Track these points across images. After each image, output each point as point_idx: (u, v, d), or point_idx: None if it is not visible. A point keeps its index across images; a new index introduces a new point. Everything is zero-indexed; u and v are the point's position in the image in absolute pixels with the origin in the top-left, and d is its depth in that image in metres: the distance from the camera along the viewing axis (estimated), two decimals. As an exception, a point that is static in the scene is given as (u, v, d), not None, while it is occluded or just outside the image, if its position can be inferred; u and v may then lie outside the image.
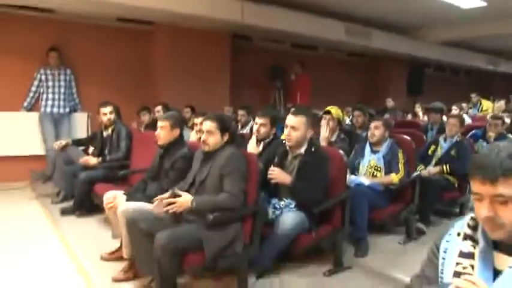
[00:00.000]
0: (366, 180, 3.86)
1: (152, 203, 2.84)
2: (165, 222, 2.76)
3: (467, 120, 7.22)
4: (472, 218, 1.37)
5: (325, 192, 3.16)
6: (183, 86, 7.14)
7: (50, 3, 6.03)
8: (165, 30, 7.06)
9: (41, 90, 6.20)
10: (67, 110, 6.31)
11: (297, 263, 3.38)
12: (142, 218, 2.77)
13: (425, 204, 4.16)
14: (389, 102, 8.91)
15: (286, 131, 3.20)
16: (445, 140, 4.60)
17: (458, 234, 1.39)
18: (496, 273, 1.27)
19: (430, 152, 4.62)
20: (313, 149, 3.17)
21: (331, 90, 9.23)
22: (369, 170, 3.97)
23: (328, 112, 4.34)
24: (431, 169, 4.42)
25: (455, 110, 7.49)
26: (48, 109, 6.15)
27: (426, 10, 7.71)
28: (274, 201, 3.17)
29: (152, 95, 7.08)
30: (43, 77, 6.16)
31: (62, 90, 6.24)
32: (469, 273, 1.28)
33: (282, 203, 3.13)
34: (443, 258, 1.38)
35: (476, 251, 1.32)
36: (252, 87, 8.46)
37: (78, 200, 4.59)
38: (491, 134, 4.87)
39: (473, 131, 5.09)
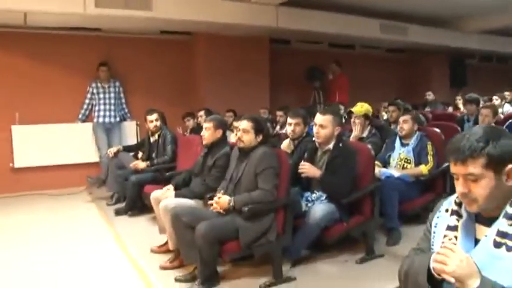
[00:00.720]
0: (395, 172, 4.01)
1: (197, 199, 3.19)
2: (206, 214, 3.07)
3: (510, 110, 7.13)
4: (457, 196, 1.56)
5: (354, 184, 3.37)
6: (224, 91, 7.46)
7: (97, 24, 6.56)
8: (204, 40, 7.41)
9: (94, 102, 6.72)
10: (117, 119, 6.80)
11: (330, 252, 3.60)
12: (184, 212, 3.10)
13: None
14: (430, 96, 8.87)
15: (315, 128, 3.44)
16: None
17: (447, 211, 1.59)
18: (477, 242, 1.46)
19: None
20: (340, 145, 3.39)
21: (370, 88, 9.28)
22: (399, 163, 4.12)
23: (351, 112, 4.54)
24: None
25: (496, 100, 7.40)
26: (101, 119, 6.66)
27: (461, 0, 7.66)
28: (307, 194, 3.42)
29: (195, 101, 7.45)
30: (95, 90, 6.68)
31: (112, 101, 6.74)
32: (453, 243, 1.48)
33: (314, 195, 3.37)
34: (434, 232, 1.59)
35: (460, 224, 1.52)
36: (291, 88, 8.68)
37: (129, 201, 5.01)
38: (528, 123, 4.87)
39: (510, 120, 5.08)
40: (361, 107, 4.53)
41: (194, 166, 3.92)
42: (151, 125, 5.25)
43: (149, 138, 5.37)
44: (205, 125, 3.75)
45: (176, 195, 3.61)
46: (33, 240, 4.20)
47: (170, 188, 3.76)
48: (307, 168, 3.35)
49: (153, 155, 5.25)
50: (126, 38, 7.11)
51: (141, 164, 5.14)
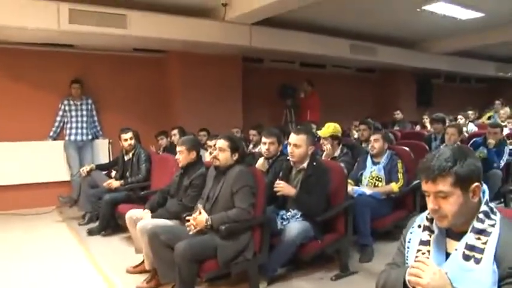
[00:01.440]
0: (367, 190, 4.13)
1: (174, 219, 3.26)
2: (184, 233, 3.10)
3: (473, 129, 7.43)
4: (429, 212, 1.66)
5: (328, 202, 3.46)
6: (197, 109, 7.50)
7: (71, 40, 6.54)
8: (178, 58, 7.47)
9: (65, 120, 6.65)
10: (89, 137, 6.74)
11: (305, 270, 3.67)
12: (162, 230, 3.12)
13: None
14: (398, 115, 9.12)
15: (289, 148, 3.53)
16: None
17: (419, 226, 1.69)
18: (448, 255, 1.56)
19: None
20: (314, 163, 3.49)
21: (341, 106, 9.52)
22: (371, 181, 4.25)
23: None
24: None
25: (460, 119, 7.70)
26: (72, 137, 6.58)
27: (427, 24, 8.00)
28: (282, 212, 3.49)
29: (168, 119, 7.47)
30: (67, 108, 6.62)
31: (85, 119, 6.68)
32: (426, 257, 1.58)
33: (289, 213, 3.44)
34: (408, 247, 1.69)
35: (432, 238, 1.61)
36: (264, 106, 8.79)
37: (103, 220, 4.96)
38: (491, 141, 5.10)
39: (474, 139, 5.31)
40: (328, 128, 4.66)
41: (170, 186, 3.96)
42: (125, 144, 5.24)
43: (123, 157, 5.35)
44: (179, 148, 3.81)
45: (153, 217, 3.63)
46: (1, 262, 4.11)
47: (145, 213, 3.77)
48: (282, 187, 3.42)
49: (127, 173, 5.23)
50: (99, 55, 7.10)
51: (115, 183, 5.11)
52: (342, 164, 3.92)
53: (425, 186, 1.55)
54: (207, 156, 5.14)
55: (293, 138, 3.52)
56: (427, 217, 1.67)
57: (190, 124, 6.89)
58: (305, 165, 3.50)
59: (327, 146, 4.57)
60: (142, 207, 3.95)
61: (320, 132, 4.72)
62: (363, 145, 5.44)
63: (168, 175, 4.39)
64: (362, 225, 3.86)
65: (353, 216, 3.67)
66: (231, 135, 3.51)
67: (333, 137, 4.62)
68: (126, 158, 5.32)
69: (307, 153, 3.50)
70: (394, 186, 4.10)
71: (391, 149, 4.40)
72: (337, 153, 4.62)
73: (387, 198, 4.11)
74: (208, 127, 7.01)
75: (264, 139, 4.07)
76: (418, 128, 8.73)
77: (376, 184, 4.22)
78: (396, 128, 8.45)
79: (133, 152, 5.25)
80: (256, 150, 5.98)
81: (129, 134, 5.26)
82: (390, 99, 10.67)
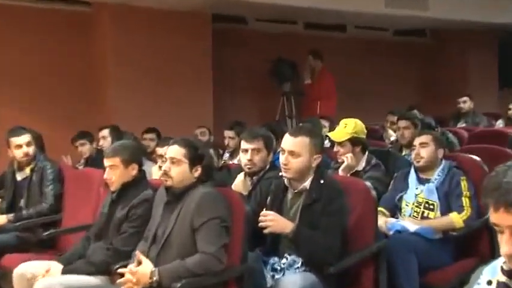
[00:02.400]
0: (411, 225, 4.13)
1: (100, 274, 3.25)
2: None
3: None
4: (504, 260, 1.66)
5: (345, 244, 3.48)
6: (139, 98, 7.55)
7: None
8: (110, 14, 7.50)
9: None
10: None
11: None
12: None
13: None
14: (465, 103, 8.85)
15: (282, 158, 3.52)
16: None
17: (489, 283, 1.71)
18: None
19: None
20: (322, 182, 3.50)
21: (368, 92, 9.62)
22: (417, 209, 4.26)
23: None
24: None
25: None
26: None
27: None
28: (273, 260, 3.49)
29: (94, 113, 7.50)
30: None
31: None
32: None
33: (284, 261, 3.44)
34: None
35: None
36: (246, 94, 8.91)
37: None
38: None
39: None
40: (345, 127, 4.67)
41: (95, 224, 3.97)
42: (18, 153, 5.16)
43: (13, 175, 5.29)
44: (108, 161, 3.81)
45: (64, 272, 3.61)
46: None
47: (53, 265, 3.70)
48: (271, 220, 3.42)
49: (21, 202, 5.15)
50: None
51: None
52: (369, 183, 3.94)
53: (498, 217, 1.56)
54: (155, 172, 5.16)
55: (288, 142, 3.52)
56: (502, 268, 1.68)
57: (129, 121, 6.94)
58: (307, 184, 3.50)
59: (348, 156, 4.58)
60: (46, 258, 3.91)
61: (332, 134, 4.77)
62: (404, 153, 5.48)
63: (92, 203, 4.40)
64: (404, 281, 3.85)
65: (388, 267, 3.70)
66: (191, 139, 3.56)
67: (354, 141, 4.63)
68: (19, 176, 5.24)
69: (311, 165, 3.51)
70: (456, 218, 4.10)
71: (451, 158, 4.44)
72: (361, 165, 4.63)
73: (444, 238, 4.13)
74: (159, 126, 7.00)
75: (244, 144, 4.05)
76: (499, 124, 8.72)
77: (426, 214, 4.22)
78: (461, 124, 8.42)
79: (32, 166, 5.20)
80: (235, 161, 6.01)
81: (25, 138, 5.17)
82: (451, 78, 10.60)
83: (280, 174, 3.62)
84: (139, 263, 3.18)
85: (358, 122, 4.74)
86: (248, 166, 4.04)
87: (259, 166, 4.03)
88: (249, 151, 4.02)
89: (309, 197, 3.49)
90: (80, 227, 4.42)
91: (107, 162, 3.83)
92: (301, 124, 5.42)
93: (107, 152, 3.98)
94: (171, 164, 3.32)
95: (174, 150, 3.36)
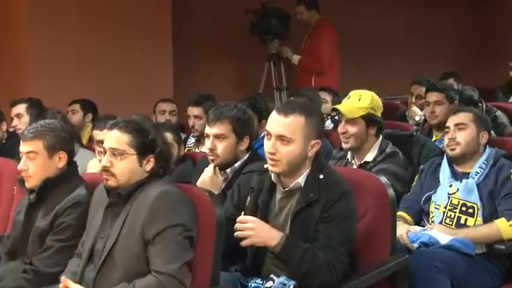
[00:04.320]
0: (443, 236, 4.17)
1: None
2: None
3: None
4: None
5: (354, 260, 3.54)
6: (69, 64, 7.58)
7: None
8: None
9: None
10: None
11: None
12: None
13: None
14: None
15: (267, 144, 3.54)
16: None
17: None
18: None
19: None
20: (321, 177, 3.53)
21: (385, 53, 9.70)
22: (450, 214, 4.32)
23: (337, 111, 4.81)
24: None
25: None
26: None
27: None
28: (255, 283, 3.52)
29: (9, 81, 7.55)
30: None
31: None
32: None
33: (270, 284, 3.45)
34: None
35: None
36: (219, 58, 8.95)
37: None
38: None
39: None
40: (359, 101, 4.73)
41: (5, 238, 4.00)
42: None
43: None
44: (25, 146, 3.80)
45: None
46: None
47: None
48: (252, 228, 3.43)
49: None
50: None
51: None
52: (385, 178, 3.99)
53: None
54: (91, 164, 5.17)
55: (276, 123, 3.52)
56: None
57: (53, 95, 6.95)
58: (301, 180, 3.54)
59: (351, 140, 4.62)
60: None
61: (342, 107, 4.78)
62: (434, 137, 5.58)
63: (1, 206, 4.44)
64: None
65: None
66: (138, 120, 3.52)
67: (369, 120, 4.70)
68: None
69: (306, 154, 3.54)
70: (504, 227, 4.14)
71: (498, 145, 4.48)
72: (373, 153, 4.73)
73: (488, 254, 4.17)
74: (97, 101, 7.08)
75: (208, 128, 4.16)
76: None
77: (463, 221, 4.28)
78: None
79: None
80: (203, 149, 6.05)
81: None
82: (501, 37, 10.70)
83: (266, 166, 3.63)
84: None
85: (375, 95, 4.80)
86: (210, 157, 4.13)
87: (224, 158, 4.14)
88: (210, 137, 4.12)
89: (304, 197, 3.51)
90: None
91: (23, 147, 3.81)
92: (293, 98, 5.39)
93: (24, 134, 3.90)
94: (112, 157, 3.33)
95: (115, 138, 3.36)
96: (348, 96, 4.82)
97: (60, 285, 3.28)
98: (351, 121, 4.67)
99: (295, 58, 8.74)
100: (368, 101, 4.70)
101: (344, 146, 4.71)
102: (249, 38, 8.83)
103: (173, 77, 8.20)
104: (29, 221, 3.83)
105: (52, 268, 3.59)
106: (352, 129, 4.66)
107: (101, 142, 4.50)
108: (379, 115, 4.80)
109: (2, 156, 5.53)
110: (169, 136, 4.59)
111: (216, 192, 3.95)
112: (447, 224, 4.31)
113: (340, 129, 4.77)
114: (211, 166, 4.19)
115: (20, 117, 6.41)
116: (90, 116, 7.06)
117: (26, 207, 3.86)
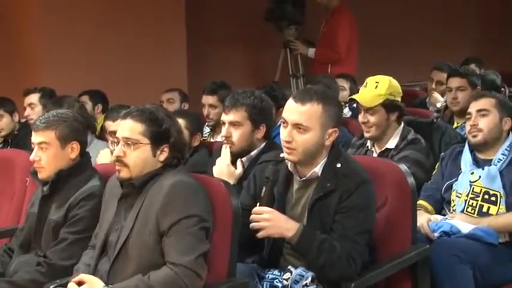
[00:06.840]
0: (465, 225, 4.13)
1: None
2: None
3: None
4: None
5: (372, 251, 3.54)
6: (82, 50, 7.58)
7: None
8: None
9: None
10: None
11: None
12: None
13: None
14: None
15: (284, 133, 3.53)
16: None
17: None
18: None
19: None
20: (339, 166, 3.52)
21: (405, 38, 9.66)
22: (472, 202, 4.29)
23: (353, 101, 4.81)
24: None
25: None
26: None
27: None
28: (273, 274, 3.52)
29: (17, 72, 7.57)
30: None
31: None
32: None
33: (287, 276, 3.45)
34: None
35: None
36: (234, 46, 8.94)
37: None
38: None
39: None
40: (376, 88, 4.69)
41: (19, 229, 4.00)
42: None
43: None
44: (38, 137, 3.79)
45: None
46: None
47: None
48: (268, 219, 3.44)
49: None
50: None
51: None
52: (405, 166, 3.97)
53: None
54: (102, 154, 5.17)
55: (292, 111, 3.51)
56: None
57: (65, 84, 6.95)
58: (318, 169, 3.53)
59: (372, 129, 4.62)
60: None
61: (359, 97, 4.77)
62: (456, 124, 5.54)
63: (14, 198, 4.45)
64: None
65: (432, 282, 3.74)
66: (152, 109, 3.49)
67: (389, 106, 4.67)
68: None
69: (324, 143, 3.53)
70: (528, 215, 4.14)
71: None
72: (393, 141, 4.71)
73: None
74: (109, 91, 7.09)
75: (224, 115, 4.15)
76: None
77: (486, 209, 4.24)
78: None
79: None
80: (219, 138, 6.05)
81: None
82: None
83: (282, 155, 3.62)
84: (81, 284, 3.19)
85: (393, 79, 4.77)
86: (229, 145, 4.13)
87: (239, 146, 4.13)
88: (226, 124, 4.11)
89: (321, 187, 3.50)
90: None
91: (35, 138, 3.80)
92: (309, 86, 5.38)
93: (36, 124, 3.88)
94: (126, 146, 3.32)
95: (128, 127, 3.34)
96: (364, 84, 4.79)
97: (78, 274, 3.28)
98: (371, 110, 4.65)
99: (311, 51, 8.70)
100: (385, 87, 4.67)
101: (366, 135, 4.70)
102: (264, 25, 8.79)
103: (187, 68, 8.18)
104: (42, 213, 3.82)
105: (66, 261, 3.59)
106: (372, 119, 4.64)
107: (114, 133, 4.43)
108: (399, 100, 4.78)
109: (15, 147, 5.56)
110: (182, 124, 4.55)
111: (232, 183, 3.95)
112: (469, 212, 4.27)
113: (360, 118, 4.75)
114: (227, 156, 4.17)
115: (33, 107, 6.41)
116: (100, 107, 7.02)
117: (39, 199, 3.85)
